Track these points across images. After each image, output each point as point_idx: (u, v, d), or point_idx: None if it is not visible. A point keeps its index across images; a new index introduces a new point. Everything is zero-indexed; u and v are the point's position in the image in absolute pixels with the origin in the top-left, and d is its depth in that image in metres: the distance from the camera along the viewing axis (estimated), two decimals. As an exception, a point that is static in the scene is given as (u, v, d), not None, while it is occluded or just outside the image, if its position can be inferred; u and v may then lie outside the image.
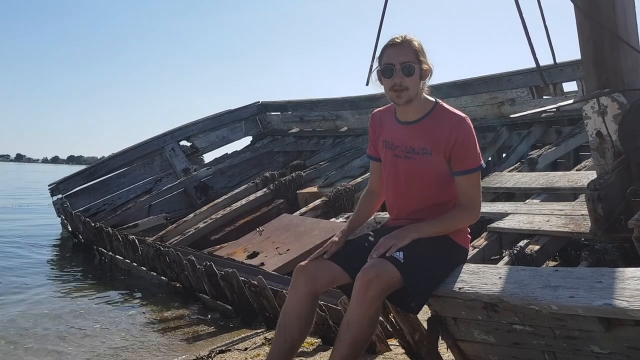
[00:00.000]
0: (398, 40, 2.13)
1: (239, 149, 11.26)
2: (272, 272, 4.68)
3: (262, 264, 5.15)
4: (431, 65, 2.14)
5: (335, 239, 2.28)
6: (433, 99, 2.20)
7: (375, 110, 2.40)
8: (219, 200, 7.96)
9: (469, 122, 2.13)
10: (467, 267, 2.12)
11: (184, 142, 10.69)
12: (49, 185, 9.75)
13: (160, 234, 7.18)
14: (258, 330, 3.83)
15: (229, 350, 3.38)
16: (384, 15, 3.16)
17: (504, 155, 7.62)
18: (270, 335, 3.45)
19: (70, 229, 8.77)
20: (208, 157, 11.29)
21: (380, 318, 2.59)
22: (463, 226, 2.22)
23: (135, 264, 6.16)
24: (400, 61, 2.09)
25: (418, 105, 2.18)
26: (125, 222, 8.56)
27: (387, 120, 2.29)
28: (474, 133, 2.13)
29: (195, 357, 3.30)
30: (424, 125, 2.17)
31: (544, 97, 7.79)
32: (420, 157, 2.16)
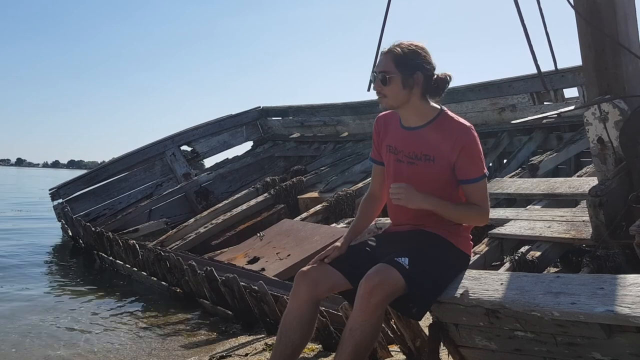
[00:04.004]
0: (385, 50, 2.19)
1: (239, 153, 11.27)
2: (273, 278, 4.67)
3: (263, 269, 5.14)
4: (421, 75, 2.13)
5: (338, 244, 2.28)
6: (438, 106, 2.22)
7: (381, 114, 2.40)
8: (220, 205, 7.96)
9: (474, 131, 2.15)
10: (469, 273, 2.12)
11: (184, 147, 10.68)
12: (49, 190, 9.75)
13: (161, 238, 7.17)
14: (259, 336, 3.82)
15: (230, 356, 3.37)
16: (385, 23, 3.17)
17: (504, 161, 7.61)
18: (271, 340, 3.44)
19: (70, 234, 8.76)
20: (209, 162, 11.31)
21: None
22: (472, 221, 2.24)
23: (135, 269, 6.15)
24: (379, 70, 2.16)
25: (420, 112, 2.19)
26: (125, 226, 8.55)
27: (392, 125, 2.30)
28: (479, 142, 2.15)
29: (195, 363, 3.30)
30: (427, 131, 2.18)
31: (545, 103, 7.79)
32: (422, 163, 2.17)
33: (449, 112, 2.21)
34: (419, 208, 2.12)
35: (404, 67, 2.13)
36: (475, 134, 2.15)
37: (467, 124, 2.16)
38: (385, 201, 2.41)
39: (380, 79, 2.15)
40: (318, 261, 2.24)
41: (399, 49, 2.15)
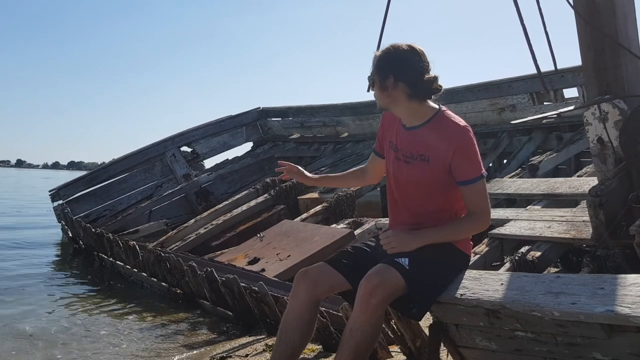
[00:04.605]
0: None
1: (239, 154, 11.28)
2: (273, 278, 4.67)
3: (263, 270, 5.13)
4: (394, 79, 2.13)
5: (305, 172, 2.58)
6: (437, 106, 2.20)
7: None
8: (220, 206, 7.96)
9: (469, 131, 2.12)
10: (469, 274, 2.12)
11: (184, 148, 10.69)
12: (49, 191, 9.76)
13: (161, 239, 7.17)
14: (259, 337, 3.82)
15: (230, 356, 3.37)
16: (384, 23, 3.18)
17: (504, 161, 7.62)
18: (271, 341, 3.44)
19: (70, 235, 8.76)
20: (209, 163, 11.31)
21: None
22: (472, 234, 2.23)
23: (135, 270, 6.15)
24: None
25: (415, 112, 2.19)
26: (125, 227, 8.56)
27: (396, 122, 2.31)
28: (475, 142, 2.12)
29: (195, 364, 3.29)
30: (423, 132, 2.18)
31: (545, 103, 7.79)
32: (418, 163, 2.17)
33: (447, 112, 2.19)
34: (415, 247, 2.09)
35: (379, 71, 2.17)
36: (471, 134, 2.12)
37: (462, 124, 2.14)
38: (369, 182, 2.63)
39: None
40: (318, 262, 2.27)
41: (378, 53, 2.20)
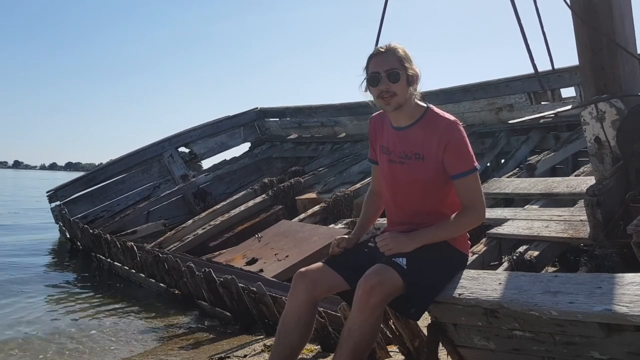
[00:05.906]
0: (382, 49, 2.18)
1: (237, 155, 11.28)
2: (271, 279, 4.67)
3: (261, 270, 5.13)
4: (418, 71, 2.17)
5: (348, 236, 2.37)
6: (425, 105, 2.23)
7: (373, 115, 2.42)
8: (218, 206, 7.96)
9: (459, 125, 2.15)
10: (467, 273, 2.12)
11: (182, 149, 10.68)
12: (47, 192, 9.74)
13: (159, 240, 7.17)
14: (257, 337, 3.82)
15: (228, 357, 3.37)
16: (382, 22, 3.18)
17: (502, 161, 7.63)
18: (269, 342, 3.44)
19: (68, 236, 8.75)
20: (206, 164, 11.30)
21: (380, 324, 2.58)
22: (468, 229, 2.23)
23: (133, 271, 6.14)
24: (385, 69, 2.13)
25: (409, 111, 2.20)
26: (123, 228, 8.55)
27: (384, 125, 2.32)
28: (465, 136, 2.15)
29: (194, 364, 3.29)
30: (415, 130, 2.19)
31: (542, 102, 7.80)
32: (413, 162, 2.18)
33: (435, 109, 2.22)
34: (413, 248, 2.09)
35: (405, 65, 2.14)
36: (461, 128, 2.14)
37: (452, 118, 2.17)
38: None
39: (389, 76, 2.12)
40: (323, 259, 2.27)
41: (399, 48, 2.17)
